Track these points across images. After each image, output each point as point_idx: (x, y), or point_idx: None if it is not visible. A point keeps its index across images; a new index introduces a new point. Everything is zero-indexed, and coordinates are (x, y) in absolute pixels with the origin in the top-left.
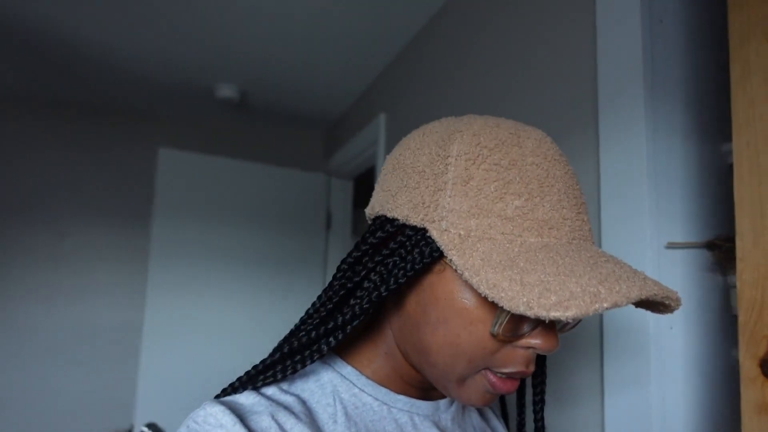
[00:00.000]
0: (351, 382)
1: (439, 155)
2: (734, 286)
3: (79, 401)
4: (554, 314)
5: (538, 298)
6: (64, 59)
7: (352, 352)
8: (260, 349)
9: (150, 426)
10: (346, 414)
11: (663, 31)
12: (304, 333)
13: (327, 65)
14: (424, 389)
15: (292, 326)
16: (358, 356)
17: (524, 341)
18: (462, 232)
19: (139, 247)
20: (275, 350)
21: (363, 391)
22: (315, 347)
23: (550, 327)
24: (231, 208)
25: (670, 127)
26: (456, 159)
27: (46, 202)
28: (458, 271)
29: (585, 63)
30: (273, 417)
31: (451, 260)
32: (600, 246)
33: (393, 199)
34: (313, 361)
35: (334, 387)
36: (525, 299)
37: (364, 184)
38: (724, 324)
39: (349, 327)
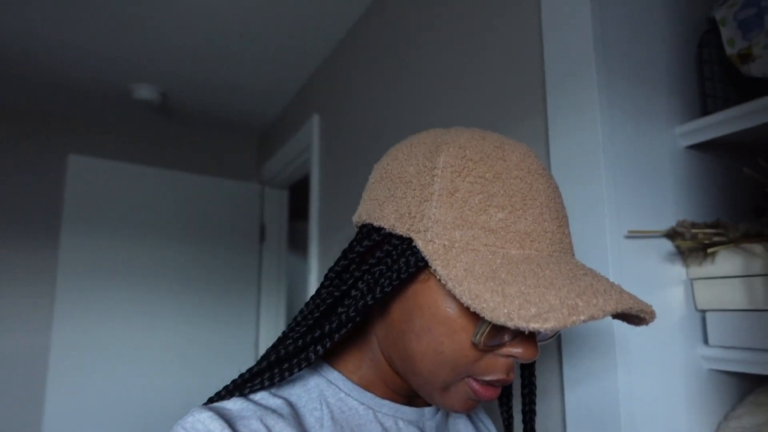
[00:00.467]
0: (337, 386)
1: (426, 166)
2: (697, 278)
3: None
4: (533, 325)
5: (518, 309)
6: None
7: (339, 358)
8: (191, 372)
9: None
10: (333, 418)
11: (613, 6)
12: (291, 341)
13: (257, 63)
14: (408, 396)
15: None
16: (344, 362)
17: (505, 350)
18: (446, 243)
19: (45, 263)
20: (262, 359)
21: (349, 395)
22: (303, 355)
23: (530, 336)
24: (152, 220)
25: (624, 110)
26: (442, 171)
27: None
28: (442, 281)
29: (531, 45)
30: (261, 420)
31: (435, 270)
32: None
33: (380, 208)
34: (300, 369)
35: (321, 392)
36: (506, 310)
37: (300, 194)
38: (689, 317)
39: (336, 335)
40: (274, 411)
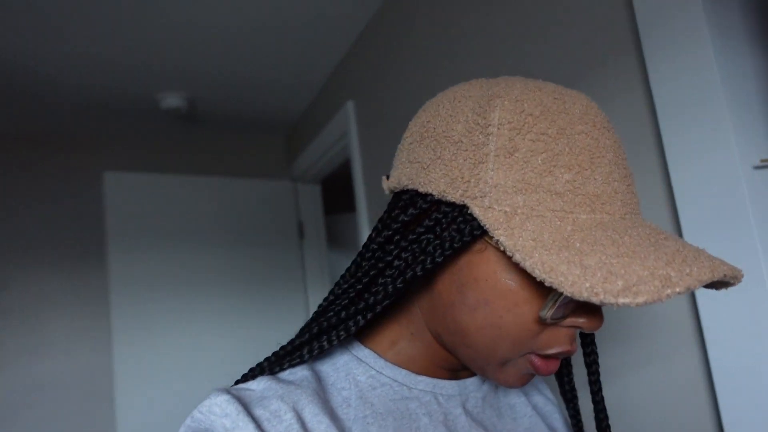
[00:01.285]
0: (368, 364)
1: (478, 124)
2: None
3: None
4: (623, 300)
5: (603, 282)
6: None
7: (372, 335)
8: (242, 370)
9: None
10: (362, 397)
11: None
12: (332, 313)
13: (280, 58)
14: (452, 370)
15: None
16: (378, 338)
17: (570, 321)
18: (508, 210)
19: (95, 284)
20: (303, 331)
21: (381, 373)
22: (342, 326)
23: (595, 305)
24: (192, 228)
25: (735, 33)
26: (498, 128)
27: None
28: (508, 253)
29: None
30: (282, 399)
31: (498, 240)
32: (671, 182)
33: (425, 172)
34: (339, 340)
35: (349, 370)
36: (588, 284)
37: (329, 187)
38: None
39: (379, 307)
40: (298, 386)
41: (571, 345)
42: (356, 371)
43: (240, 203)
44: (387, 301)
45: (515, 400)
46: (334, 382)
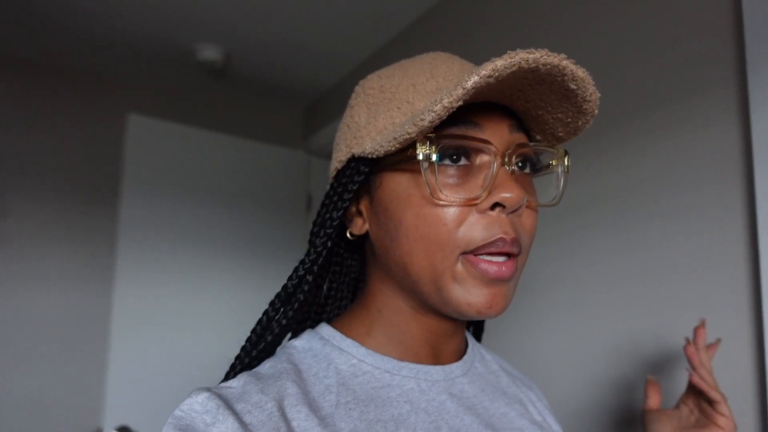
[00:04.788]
0: (350, 353)
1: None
2: None
3: (33, 402)
4: (470, 83)
5: (436, 102)
6: (17, 9)
7: (349, 324)
8: (237, 337)
9: (122, 429)
10: (344, 384)
11: None
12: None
13: (324, 31)
14: (433, 353)
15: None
16: (354, 326)
17: (485, 203)
18: (370, 139)
19: (104, 225)
20: (266, 323)
21: (363, 361)
22: (293, 298)
23: (510, 177)
24: (206, 184)
25: None
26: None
27: None
28: (369, 156)
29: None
30: (263, 392)
31: (363, 152)
32: (756, 223)
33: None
34: (293, 311)
35: (331, 359)
36: (423, 111)
37: None
38: None
39: (315, 266)
40: (277, 378)
41: (504, 231)
42: (337, 360)
43: (254, 166)
44: (321, 259)
45: (510, 388)
46: (316, 372)
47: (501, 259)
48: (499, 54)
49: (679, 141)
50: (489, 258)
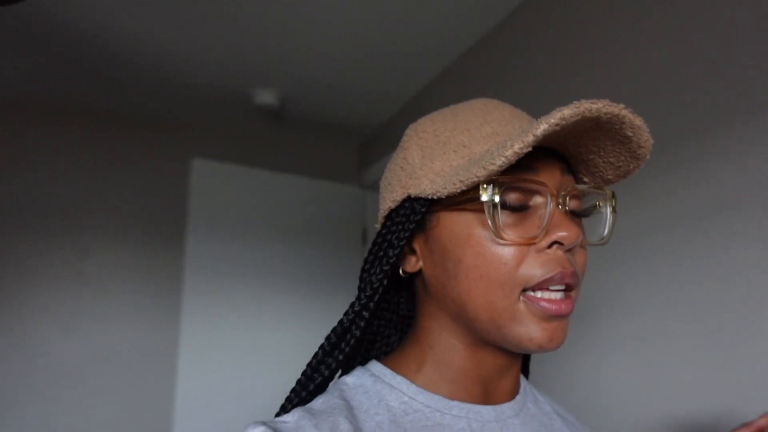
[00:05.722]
0: (401, 391)
1: (401, 148)
2: None
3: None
4: (540, 131)
5: (498, 152)
6: (93, 65)
7: (399, 361)
8: (297, 370)
9: None
10: (395, 422)
11: None
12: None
13: (373, 68)
14: (484, 391)
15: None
16: (405, 364)
17: (544, 242)
18: (429, 180)
19: (171, 265)
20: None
21: (414, 399)
22: (349, 334)
23: (565, 216)
24: (266, 222)
25: None
26: (407, 147)
27: (67, 217)
28: (431, 197)
29: None
30: (317, 427)
31: (424, 193)
32: None
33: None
34: (349, 346)
35: (382, 396)
36: (486, 159)
37: None
38: None
39: (372, 303)
40: (330, 413)
41: (563, 266)
42: (389, 398)
43: (312, 202)
44: (377, 295)
45: (563, 431)
46: (368, 408)
47: (559, 295)
48: (545, 92)
49: (744, 162)
50: (549, 295)
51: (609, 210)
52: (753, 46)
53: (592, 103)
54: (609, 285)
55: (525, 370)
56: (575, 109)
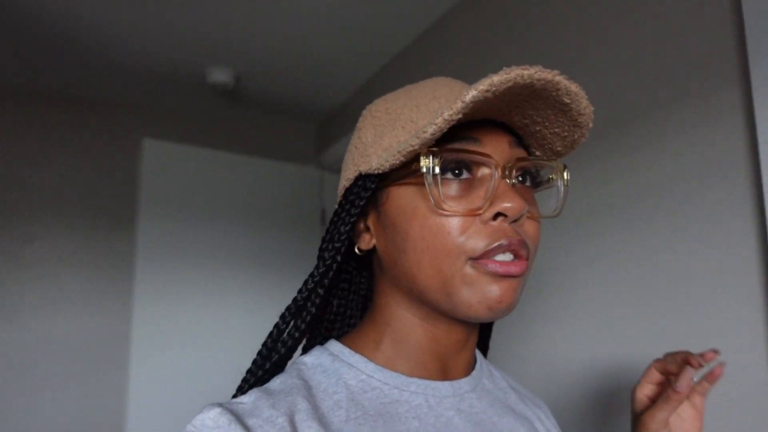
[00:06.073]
0: (359, 369)
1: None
2: None
3: (56, 424)
4: (470, 96)
5: (440, 114)
6: (35, 43)
7: (358, 340)
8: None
9: None
10: (353, 399)
11: None
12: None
13: (331, 50)
14: (442, 367)
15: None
16: (363, 342)
17: (488, 213)
18: (375, 157)
19: (121, 248)
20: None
21: (372, 377)
22: (305, 311)
23: (510, 188)
24: (221, 203)
25: None
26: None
27: (7, 201)
28: (374, 171)
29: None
30: (273, 407)
31: (371, 169)
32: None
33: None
34: (305, 323)
35: (340, 375)
36: (426, 124)
37: None
38: None
39: (327, 278)
40: (288, 393)
41: (509, 237)
42: (347, 376)
43: (268, 183)
44: (331, 272)
45: (518, 405)
46: (326, 387)
47: (509, 257)
48: (497, 71)
49: (682, 144)
50: (498, 258)
51: (561, 183)
52: (691, 27)
53: (523, 69)
54: (565, 261)
55: (484, 347)
56: (505, 75)
